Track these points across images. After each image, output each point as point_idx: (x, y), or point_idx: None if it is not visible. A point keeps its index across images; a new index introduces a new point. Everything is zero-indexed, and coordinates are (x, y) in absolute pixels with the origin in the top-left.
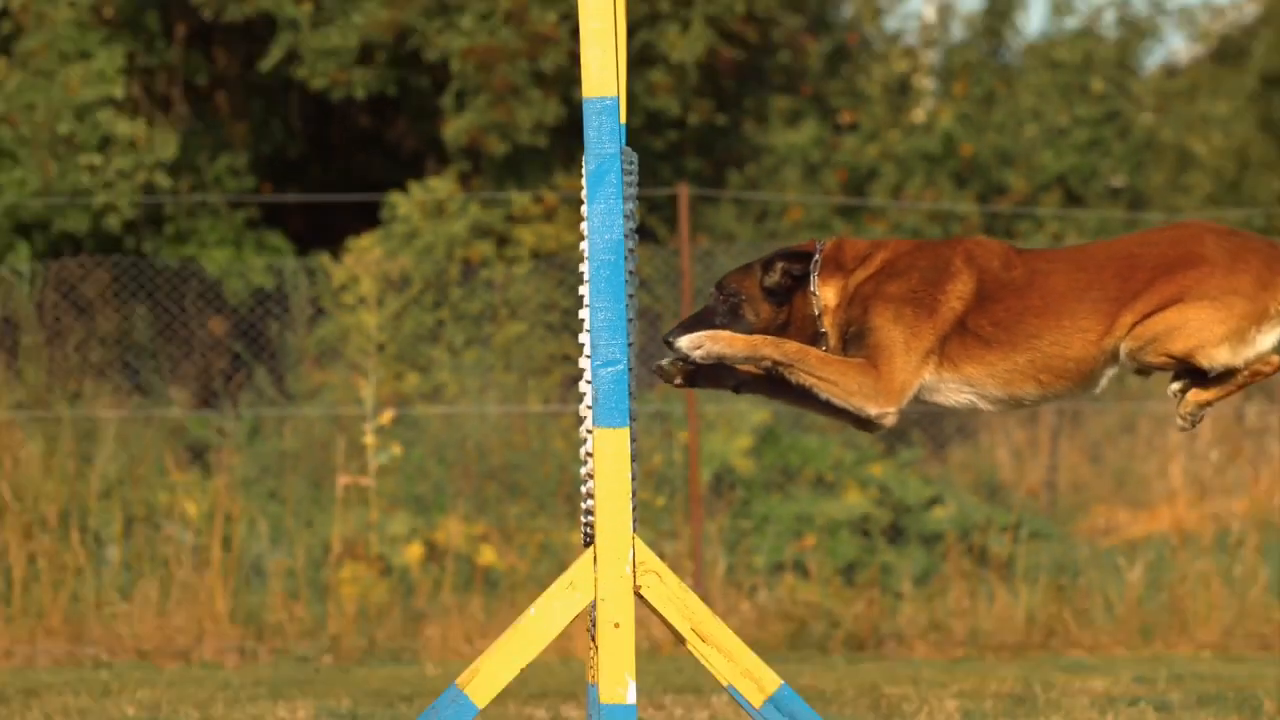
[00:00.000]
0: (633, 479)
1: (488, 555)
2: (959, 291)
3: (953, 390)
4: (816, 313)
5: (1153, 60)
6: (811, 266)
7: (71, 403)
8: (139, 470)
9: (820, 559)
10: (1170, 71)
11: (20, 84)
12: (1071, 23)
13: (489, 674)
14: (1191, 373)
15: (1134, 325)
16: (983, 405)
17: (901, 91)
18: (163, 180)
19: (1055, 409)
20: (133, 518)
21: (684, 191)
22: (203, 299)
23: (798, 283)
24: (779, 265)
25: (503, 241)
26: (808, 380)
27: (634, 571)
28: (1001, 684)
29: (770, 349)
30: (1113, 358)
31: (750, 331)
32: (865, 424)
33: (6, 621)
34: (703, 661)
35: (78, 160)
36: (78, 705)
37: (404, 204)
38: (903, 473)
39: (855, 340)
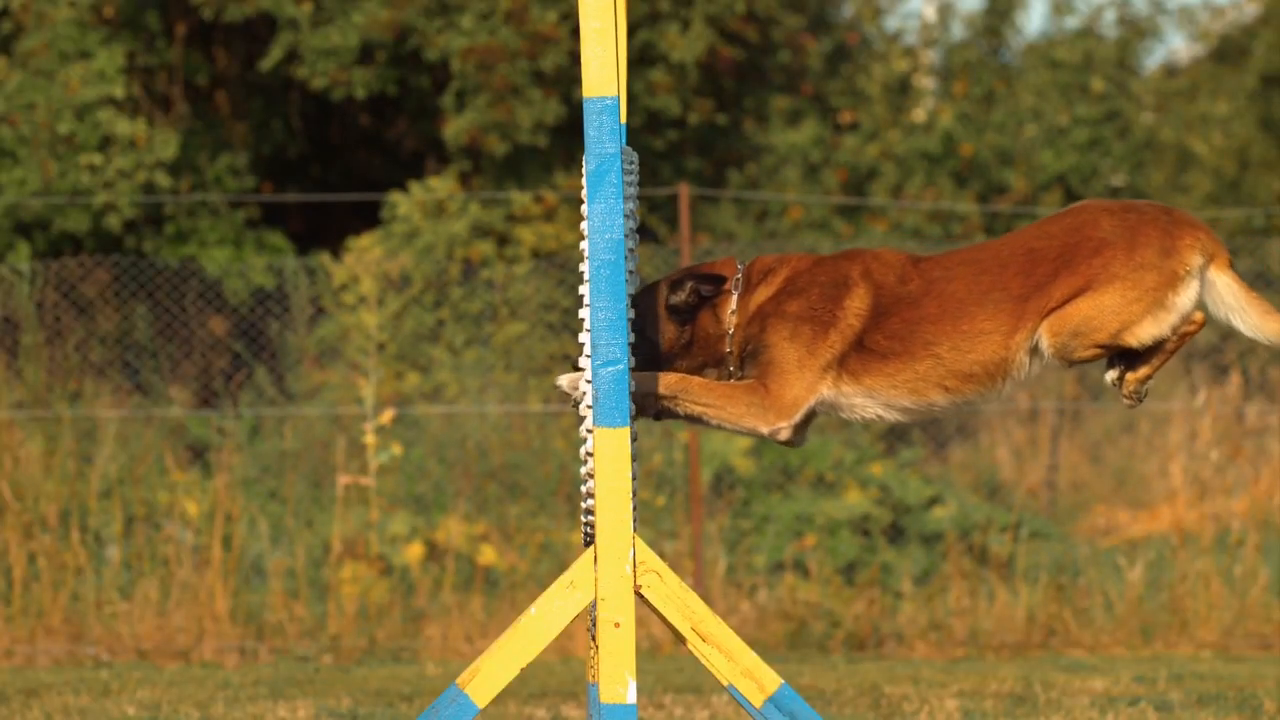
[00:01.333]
0: (633, 479)
1: (488, 555)
2: (855, 308)
3: (857, 403)
4: (728, 331)
5: (1153, 60)
6: (733, 286)
7: (71, 402)
8: (139, 470)
9: (820, 559)
10: (1170, 71)
11: (20, 84)
12: (1072, 22)
13: (489, 674)
14: (1123, 355)
15: (1047, 320)
16: (891, 416)
17: (901, 91)
18: (163, 180)
19: (1055, 409)
20: (133, 517)
21: (684, 191)
22: (203, 299)
23: (703, 302)
24: (689, 284)
25: (503, 241)
26: (695, 409)
27: (634, 571)
28: (1001, 684)
29: (650, 382)
30: (1029, 355)
31: (653, 352)
32: (765, 438)
33: (6, 621)
34: (703, 661)
35: (78, 160)
36: (78, 705)
37: (404, 204)
38: (903, 472)
39: (751, 358)
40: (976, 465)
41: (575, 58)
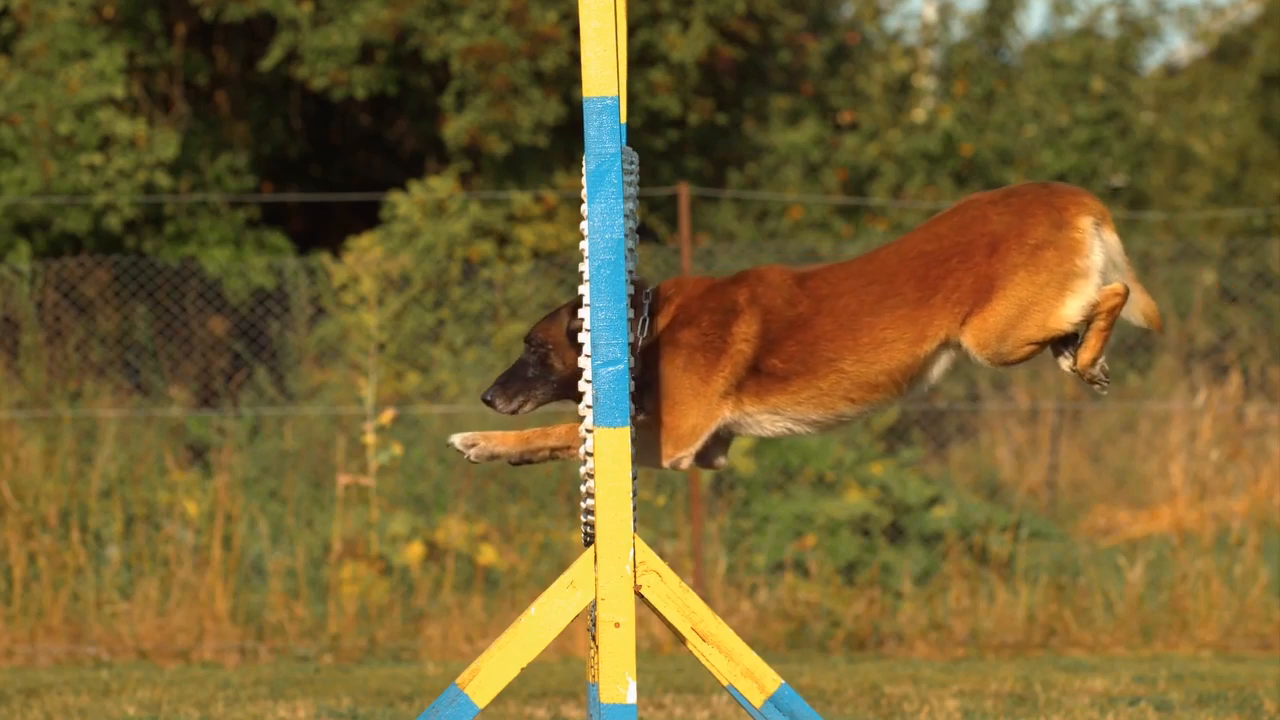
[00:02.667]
0: (633, 478)
1: (488, 555)
2: (744, 334)
3: (764, 420)
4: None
5: (1153, 60)
6: (637, 310)
7: (72, 402)
8: (139, 470)
9: (820, 558)
10: (1170, 71)
11: (20, 83)
12: (1072, 22)
13: (489, 674)
14: (1063, 341)
15: (968, 329)
16: (800, 429)
17: (902, 91)
18: (163, 180)
19: (1055, 408)
20: (133, 517)
21: (684, 191)
22: (203, 298)
23: None
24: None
25: (503, 241)
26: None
27: (634, 571)
28: (1002, 684)
29: (540, 439)
30: (935, 357)
31: (559, 383)
32: (665, 469)
33: (6, 621)
34: (703, 661)
35: (78, 160)
36: (78, 705)
37: (404, 203)
38: (903, 472)
39: (648, 388)
40: (977, 465)
41: (575, 57)
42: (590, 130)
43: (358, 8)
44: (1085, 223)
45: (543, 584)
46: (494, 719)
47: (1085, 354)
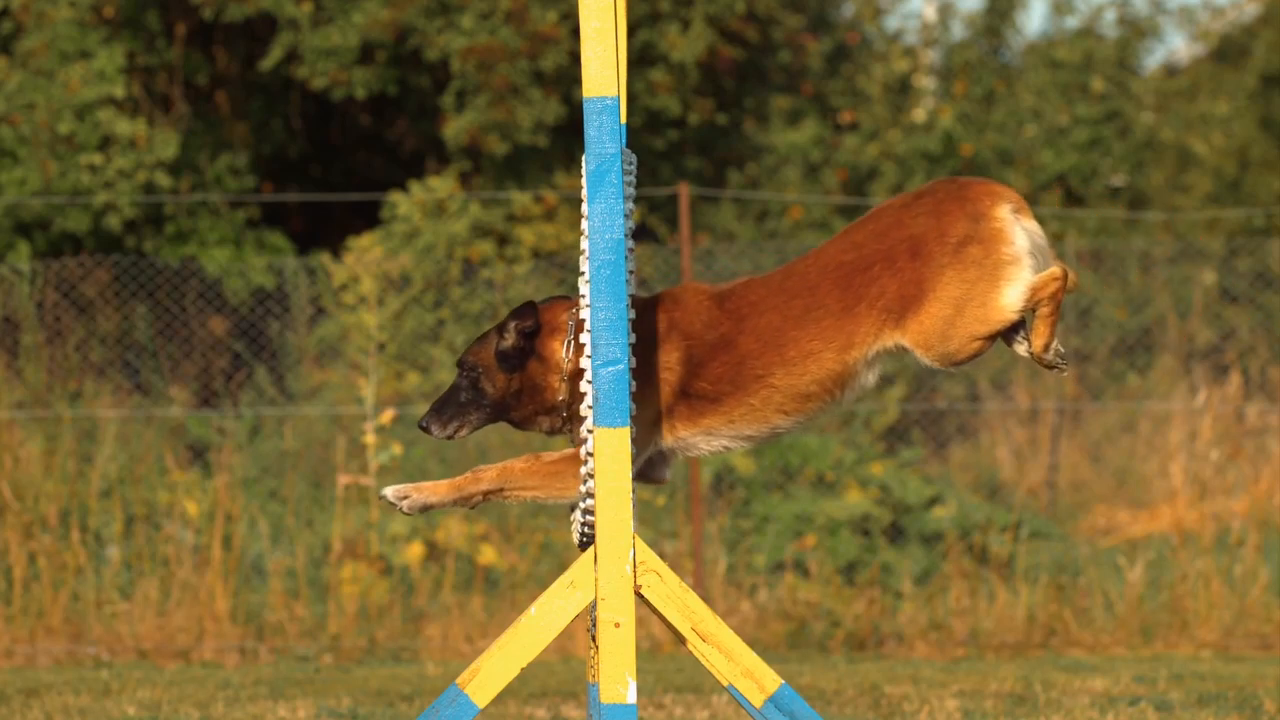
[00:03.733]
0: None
1: (488, 555)
2: (667, 362)
3: (700, 442)
4: (557, 378)
5: (1153, 60)
6: (564, 330)
7: (71, 402)
8: (139, 470)
9: (820, 558)
10: (1170, 71)
11: (20, 83)
12: (1072, 22)
13: (489, 673)
14: (1011, 329)
15: (908, 335)
16: (736, 445)
17: (902, 91)
18: (163, 180)
19: (1056, 408)
20: (133, 517)
21: (684, 191)
22: (203, 298)
23: (529, 343)
24: (511, 325)
25: (503, 241)
26: (525, 495)
27: (634, 571)
28: (1002, 684)
29: (472, 485)
30: (869, 362)
31: (492, 406)
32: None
33: (6, 621)
34: (703, 661)
35: (78, 160)
36: (78, 705)
37: (404, 203)
38: (903, 472)
39: (578, 417)
40: (977, 465)
41: (575, 58)
42: (590, 130)
43: (358, 8)
44: (1003, 211)
45: (543, 584)
46: (494, 719)
47: (1037, 340)
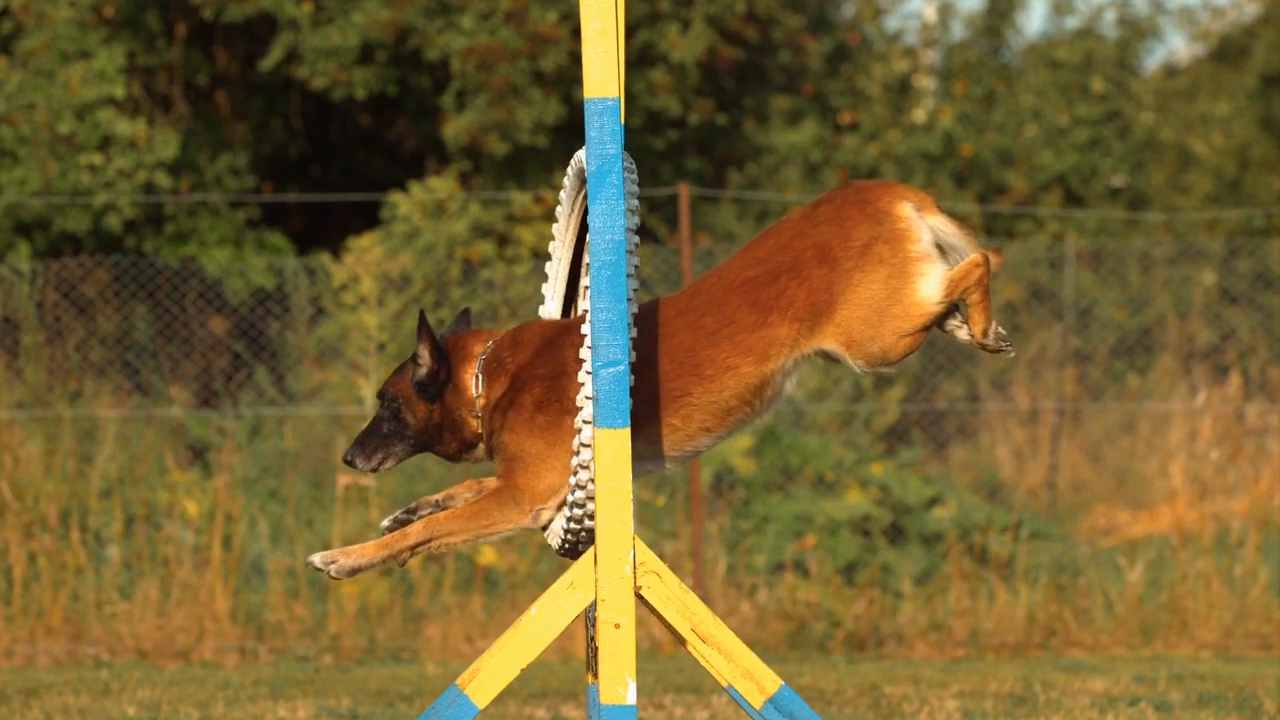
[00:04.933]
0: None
1: (488, 555)
2: (580, 390)
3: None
4: (474, 411)
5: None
6: (476, 362)
7: (72, 402)
8: (139, 470)
9: (820, 559)
10: (1170, 71)
11: (20, 84)
12: (1072, 22)
13: (489, 674)
14: (941, 320)
15: (834, 342)
16: (658, 468)
17: (902, 91)
18: (163, 180)
19: (1055, 409)
20: (133, 517)
21: (684, 191)
22: (203, 299)
23: (445, 373)
24: (423, 353)
25: (503, 241)
26: (453, 541)
27: (634, 572)
28: (1002, 684)
29: (400, 542)
30: (788, 370)
31: (415, 436)
32: (530, 529)
33: (6, 621)
34: (703, 662)
35: (78, 160)
36: (78, 705)
37: (404, 203)
38: (903, 472)
39: (498, 451)
40: (977, 465)
41: (575, 58)
42: (591, 131)
43: (358, 8)
44: (905, 210)
45: (543, 584)
46: (494, 719)
47: (975, 328)
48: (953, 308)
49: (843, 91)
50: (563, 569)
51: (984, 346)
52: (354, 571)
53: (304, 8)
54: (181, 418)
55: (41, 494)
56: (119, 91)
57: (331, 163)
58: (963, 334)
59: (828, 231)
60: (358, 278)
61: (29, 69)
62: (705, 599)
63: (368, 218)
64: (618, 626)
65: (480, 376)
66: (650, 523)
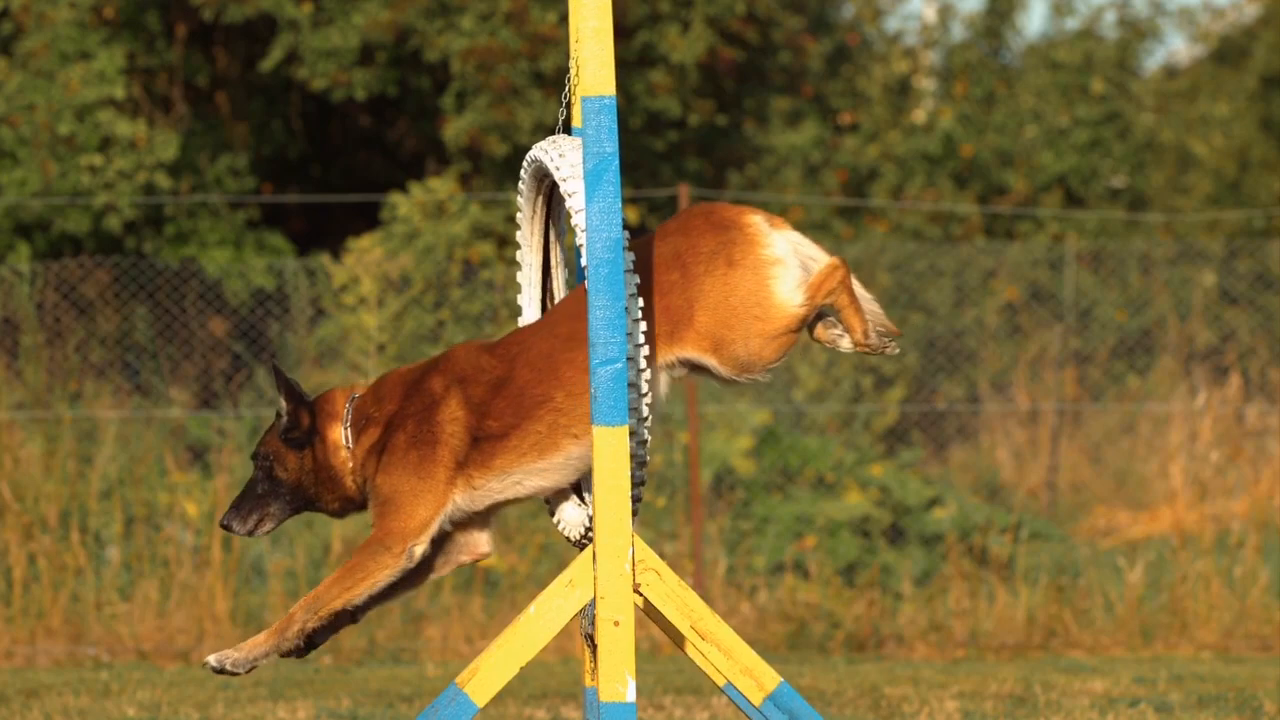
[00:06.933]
0: (640, 470)
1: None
2: (450, 416)
3: (496, 487)
4: (345, 465)
5: (1153, 61)
6: (342, 416)
7: (71, 403)
8: (139, 470)
9: (820, 560)
10: (1170, 72)
11: (21, 84)
12: (1072, 23)
13: (489, 672)
14: (815, 325)
15: (695, 349)
16: (534, 484)
17: (902, 92)
18: (163, 181)
19: (1055, 409)
20: (133, 518)
21: (684, 192)
22: (203, 299)
23: (310, 419)
24: (283, 402)
25: (503, 242)
26: (337, 605)
27: (633, 569)
28: (1001, 685)
29: (288, 626)
30: (666, 373)
31: (290, 493)
32: (408, 568)
33: (6, 621)
34: (702, 659)
35: (78, 161)
36: (78, 705)
37: (404, 204)
38: (903, 474)
39: (373, 497)
40: (977, 466)
41: None
42: (587, 130)
43: (358, 9)
44: (752, 219)
45: (542, 585)
46: (494, 719)
47: (853, 334)
48: (821, 315)
49: (843, 92)
50: (562, 570)
51: (868, 350)
52: (251, 665)
53: (304, 9)
54: (181, 419)
55: (41, 495)
56: (119, 92)
57: (331, 163)
58: (845, 343)
59: (676, 241)
60: (358, 279)
61: (29, 70)
62: (705, 600)
63: (368, 218)
64: (617, 624)
65: (349, 430)
66: (650, 524)
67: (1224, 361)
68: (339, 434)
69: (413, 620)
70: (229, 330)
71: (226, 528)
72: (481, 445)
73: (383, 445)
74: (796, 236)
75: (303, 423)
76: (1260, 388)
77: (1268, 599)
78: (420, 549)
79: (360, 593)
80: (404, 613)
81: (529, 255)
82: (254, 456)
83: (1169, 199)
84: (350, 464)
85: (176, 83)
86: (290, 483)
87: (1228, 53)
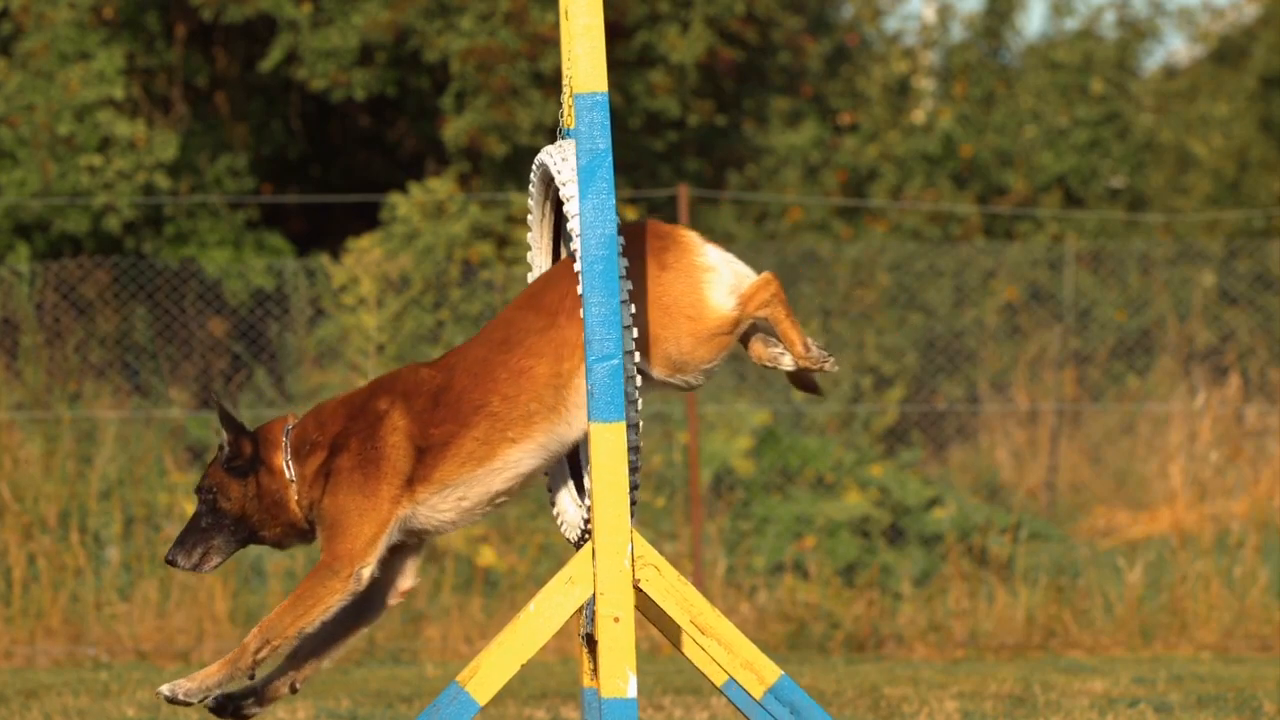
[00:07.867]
0: (634, 474)
1: (487, 556)
2: (393, 427)
3: (436, 502)
4: (289, 495)
5: (1152, 61)
6: (280, 444)
7: (71, 403)
8: (139, 471)
9: (820, 560)
10: (1170, 72)
11: (20, 84)
12: (1071, 24)
13: (490, 670)
14: (748, 339)
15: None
16: (479, 495)
17: (901, 92)
18: (163, 181)
19: (1055, 410)
20: (132, 518)
21: (684, 192)
22: (203, 299)
23: (252, 447)
24: (224, 432)
25: (502, 242)
26: (291, 632)
27: (632, 565)
28: (1001, 685)
29: (242, 655)
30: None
31: (234, 525)
32: (367, 594)
33: (6, 621)
34: (701, 654)
35: (78, 161)
36: (78, 705)
37: (404, 204)
38: (902, 474)
39: (319, 522)
40: (976, 466)
41: None
42: (581, 126)
43: (357, 9)
44: (687, 232)
45: (542, 585)
46: (494, 719)
47: (793, 348)
48: (758, 331)
49: (842, 93)
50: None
51: (808, 365)
52: (205, 694)
53: (303, 9)
54: (181, 419)
55: (41, 495)
56: (118, 93)
57: (331, 164)
58: (786, 361)
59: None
60: (357, 279)
61: (29, 70)
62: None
63: (367, 219)
64: (617, 620)
65: (290, 459)
66: (649, 524)
67: (1223, 362)
68: (282, 463)
69: (412, 620)
70: (228, 331)
71: (171, 563)
72: (424, 458)
73: (328, 468)
74: (730, 254)
75: (245, 451)
76: (1260, 388)
77: (1267, 599)
78: (368, 571)
79: (313, 618)
80: (403, 613)
81: (539, 258)
82: (197, 490)
83: (1168, 199)
84: (294, 489)
85: (176, 83)
86: (234, 513)
87: (1227, 53)
